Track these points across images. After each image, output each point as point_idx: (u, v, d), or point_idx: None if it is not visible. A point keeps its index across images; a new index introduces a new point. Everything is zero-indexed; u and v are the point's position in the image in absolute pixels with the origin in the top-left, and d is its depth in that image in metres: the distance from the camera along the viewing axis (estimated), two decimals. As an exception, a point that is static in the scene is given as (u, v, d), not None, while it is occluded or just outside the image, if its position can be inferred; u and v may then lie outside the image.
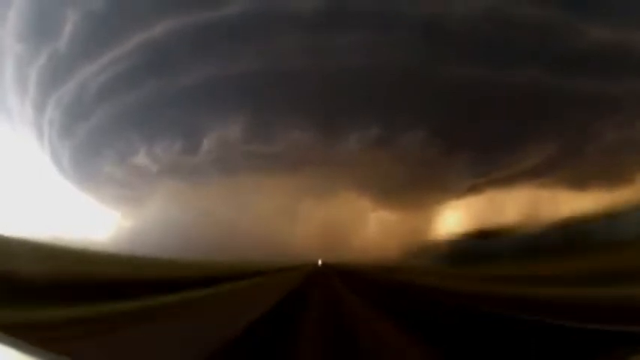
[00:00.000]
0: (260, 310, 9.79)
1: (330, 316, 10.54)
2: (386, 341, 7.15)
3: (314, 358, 6.16)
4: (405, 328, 8.43)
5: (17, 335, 2.80)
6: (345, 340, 7.47)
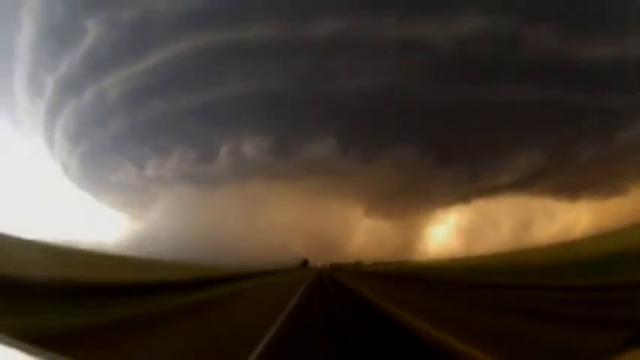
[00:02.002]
0: (276, 311, 9.83)
1: (351, 309, 10.55)
2: (405, 327, 7.21)
3: (354, 346, 6.17)
4: (416, 314, 8.51)
5: (24, 341, 2.79)
6: (370, 328, 7.51)
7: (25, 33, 27.23)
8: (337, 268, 43.98)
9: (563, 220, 27.39)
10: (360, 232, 32.43)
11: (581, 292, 9.91)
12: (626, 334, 2.95)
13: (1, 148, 29.67)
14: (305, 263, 46.29)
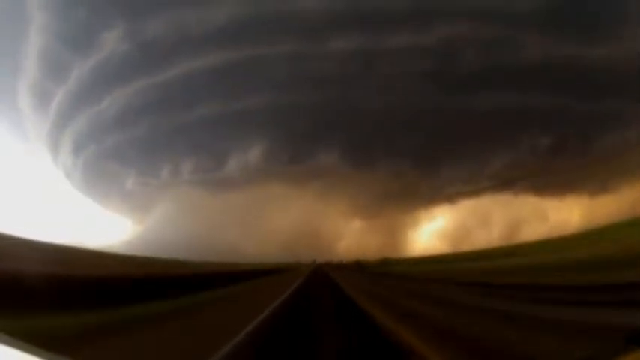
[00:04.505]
0: (274, 305, 9.78)
1: (341, 307, 10.57)
2: (390, 327, 7.17)
3: (335, 345, 6.15)
4: (406, 317, 8.46)
5: (25, 340, 2.69)
6: (357, 328, 7.49)
7: (33, 42, 27.08)
8: (331, 267, 44.21)
9: (554, 219, 27.43)
10: (354, 233, 32.63)
11: (577, 292, 9.81)
12: (626, 335, 2.86)
13: (5, 154, 29.42)
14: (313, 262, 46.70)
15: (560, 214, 26.87)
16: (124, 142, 28.30)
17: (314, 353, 5.79)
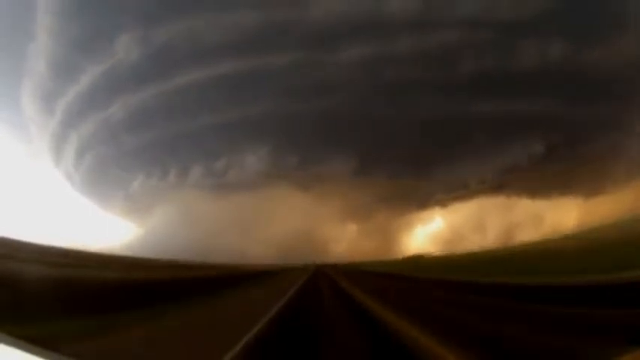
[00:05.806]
0: (276, 307, 9.51)
1: (344, 309, 10.26)
2: (394, 328, 7.00)
3: (339, 346, 6.02)
4: (409, 316, 8.23)
5: (27, 341, 2.65)
6: (362, 329, 7.30)
7: (40, 44, 26.88)
8: (332, 268, 44.04)
9: (549, 222, 27.31)
10: (349, 236, 32.60)
11: (577, 292, 9.71)
12: (628, 335, 2.83)
13: (6, 156, 29.25)
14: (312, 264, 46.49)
15: (556, 217, 26.75)
16: (131, 146, 28.06)
17: (322, 354, 5.72)
